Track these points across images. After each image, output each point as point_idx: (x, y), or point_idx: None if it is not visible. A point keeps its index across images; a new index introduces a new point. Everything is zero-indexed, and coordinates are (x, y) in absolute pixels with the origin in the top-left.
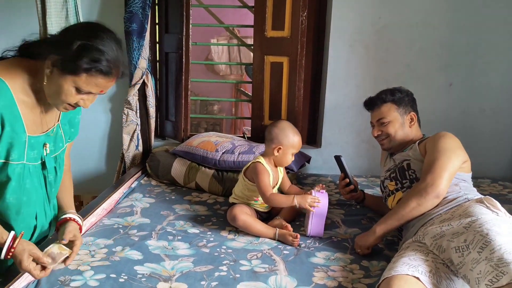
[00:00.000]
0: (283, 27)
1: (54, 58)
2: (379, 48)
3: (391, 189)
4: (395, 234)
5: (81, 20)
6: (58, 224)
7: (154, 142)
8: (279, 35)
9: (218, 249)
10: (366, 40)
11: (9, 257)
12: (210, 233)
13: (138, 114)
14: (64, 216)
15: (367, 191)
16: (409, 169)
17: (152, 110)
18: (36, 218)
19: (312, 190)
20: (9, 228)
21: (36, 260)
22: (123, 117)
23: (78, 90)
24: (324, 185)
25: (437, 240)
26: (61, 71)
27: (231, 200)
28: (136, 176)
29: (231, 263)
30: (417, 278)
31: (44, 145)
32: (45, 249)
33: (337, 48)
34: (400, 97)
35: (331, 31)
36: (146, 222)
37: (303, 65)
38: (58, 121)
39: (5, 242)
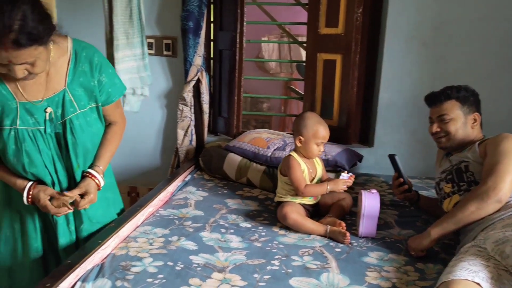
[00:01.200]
0: (337, 24)
1: None
2: (437, 44)
3: (447, 191)
4: (452, 237)
5: (143, 18)
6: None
7: (207, 137)
8: (332, 32)
9: (270, 244)
10: (423, 36)
11: (30, 201)
12: (261, 228)
13: (192, 110)
14: (85, 171)
15: (421, 192)
16: (467, 171)
17: (205, 107)
18: (51, 176)
19: (362, 190)
20: None
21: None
22: (178, 113)
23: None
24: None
25: (500, 246)
26: None
27: (276, 199)
28: (189, 170)
29: (283, 258)
30: (478, 284)
31: (46, 109)
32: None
33: (393, 44)
34: (466, 95)
35: (387, 27)
36: (199, 215)
37: (357, 63)
38: (65, 85)
39: (25, 188)
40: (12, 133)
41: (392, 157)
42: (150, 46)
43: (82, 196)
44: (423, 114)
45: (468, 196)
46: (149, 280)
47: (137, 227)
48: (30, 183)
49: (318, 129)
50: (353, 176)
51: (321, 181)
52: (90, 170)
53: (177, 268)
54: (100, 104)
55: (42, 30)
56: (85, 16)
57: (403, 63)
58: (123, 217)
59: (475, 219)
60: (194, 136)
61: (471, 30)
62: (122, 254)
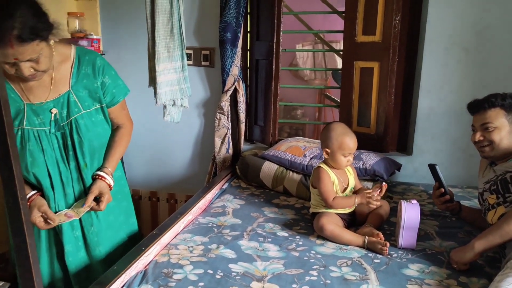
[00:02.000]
0: (375, 32)
1: None
2: (479, 50)
3: (491, 202)
4: (496, 250)
5: (184, 33)
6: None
7: (243, 145)
8: (370, 40)
9: (307, 254)
10: (465, 42)
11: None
12: (298, 237)
13: (229, 118)
14: (94, 174)
15: (463, 202)
16: None
17: (242, 115)
18: (50, 176)
19: (402, 201)
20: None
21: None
22: (216, 121)
23: (5, 62)
24: (380, 186)
25: None
26: None
27: (311, 210)
28: (226, 178)
29: (321, 269)
30: None
31: (51, 110)
32: (65, 210)
33: (433, 51)
34: (511, 103)
35: (426, 34)
36: (237, 223)
37: (394, 70)
38: (69, 87)
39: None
40: (19, 133)
41: (432, 167)
42: (188, 56)
43: (96, 199)
44: (464, 122)
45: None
46: (191, 287)
47: (177, 234)
48: (32, 192)
49: (343, 141)
50: (385, 185)
51: (354, 190)
52: (99, 172)
53: (217, 276)
54: (104, 105)
55: (41, 26)
56: (125, 32)
57: (443, 70)
58: (165, 224)
59: None
60: (231, 145)
61: None
62: (164, 261)
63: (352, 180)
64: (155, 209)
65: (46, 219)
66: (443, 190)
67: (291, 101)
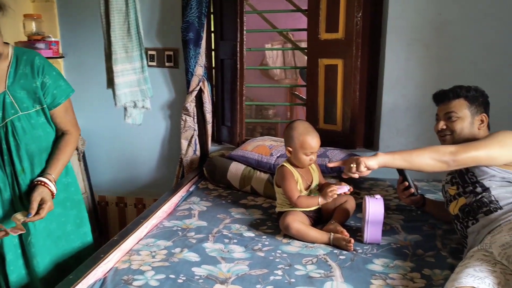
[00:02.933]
0: (337, 29)
1: None
2: (440, 45)
3: (452, 193)
4: (460, 241)
5: (141, 32)
6: (32, 187)
7: (210, 147)
8: (333, 38)
9: (273, 253)
10: (425, 38)
11: None
12: (265, 237)
13: (195, 120)
14: (36, 179)
15: (428, 195)
16: (468, 172)
17: (208, 116)
18: None
19: (366, 196)
20: None
21: None
22: (181, 123)
23: None
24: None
25: (507, 250)
26: None
27: (277, 210)
28: (193, 180)
29: (286, 268)
30: None
31: None
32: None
33: (394, 48)
34: (475, 95)
35: (388, 31)
36: (203, 225)
37: (358, 67)
38: (5, 88)
39: None
40: None
41: None
42: (152, 58)
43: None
44: (427, 116)
45: (431, 146)
46: None
47: (140, 240)
48: None
49: (304, 140)
50: (351, 189)
51: (318, 187)
52: (41, 178)
53: (179, 280)
54: (45, 106)
55: None
56: (85, 33)
57: (405, 66)
58: (126, 230)
59: (422, 169)
60: (198, 146)
61: (472, 29)
62: (124, 267)
63: (316, 177)
64: (122, 215)
65: None
66: (407, 183)
67: (263, 101)
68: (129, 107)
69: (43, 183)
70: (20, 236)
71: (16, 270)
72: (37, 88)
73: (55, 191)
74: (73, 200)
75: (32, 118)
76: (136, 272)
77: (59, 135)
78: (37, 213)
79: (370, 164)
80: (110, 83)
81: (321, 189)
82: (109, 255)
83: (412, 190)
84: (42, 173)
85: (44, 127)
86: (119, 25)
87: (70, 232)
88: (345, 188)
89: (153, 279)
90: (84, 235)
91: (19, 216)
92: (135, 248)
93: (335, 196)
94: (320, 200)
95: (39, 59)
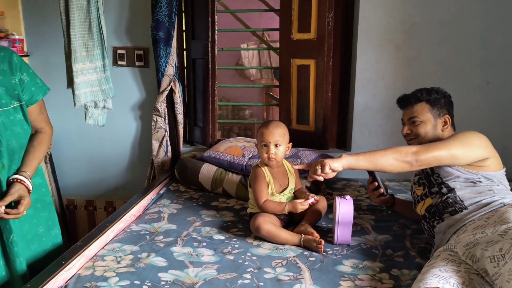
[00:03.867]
0: (309, 30)
1: None
2: (409, 47)
3: (419, 194)
4: (427, 241)
5: (104, 30)
6: (7, 185)
7: (182, 148)
8: (305, 38)
9: (242, 256)
10: (395, 39)
11: None
12: (235, 239)
13: (166, 120)
14: (11, 177)
15: (400, 195)
16: (433, 174)
17: (180, 117)
18: None
19: (336, 197)
20: None
21: None
22: (152, 124)
23: None
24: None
25: (470, 249)
26: None
27: (249, 210)
28: (164, 182)
29: (255, 271)
30: None
31: None
32: None
33: (366, 48)
34: (436, 98)
35: (359, 31)
36: (172, 228)
37: (330, 67)
38: None
39: None
40: None
41: None
42: (121, 57)
43: (13, 204)
44: (398, 116)
45: (394, 147)
46: None
47: (106, 244)
48: None
49: (260, 131)
50: (317, 199)
51: (294, 192)
52: (16, 176)
53: (144, 287)
54: (23, 103)
55: None
56: (51, 31)
57: (376, 66)
58: (91, 234)
59: (386, 169)
60: (169, 147)
61: (441, 31)
62: (87, 274)
63: (293, 180)
64: (92, 218)
65: None
66: (376, 184)
67: (240, 102)
68: (90, 107)
69: (19, 181)
70: (0, 234)
71: None
72: (16, 85)
73: (31, 188)
74: (44, 202)
75: (11, 115)
76: (99, 278)
77: (33, 133)
78: (15, 208)
79: (334, 166)
80: (70, 82)
81: (296, 194)
82: (71, 261)
83: (382, 190)
84: (17, 171)
85: (21, 124)
86: (79, 22)
87: (42, 235)
88: (310, 200)
89: (117, 285)
90: (55, 237)
91: None
92: (99, 253)
93: (304, 209)
94: (287, 208)
95: (16, 57)
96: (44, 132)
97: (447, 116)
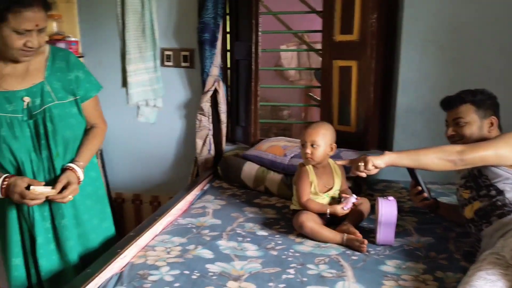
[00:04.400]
0: (352, 31)
1: None
2: (455, 48)
3: (466, 197)
4: (473, 244)
5: (156, 33)
6: (61, 172)
7: (225, 146)
8: (348, 39)
9: (285, 252)
10: (440, 40)
11: (3, 189)
12: (278, 236)
13: (210, 119)
14: (65, 165)
15: (442, 198)
16: (481, 176)
17: (223, 116)
18: (21, 164)
19: (379, 198)
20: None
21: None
22: (197, 122)
23: (18, 32)
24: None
25: None
26: None
27: (292, 207)
28: (208, 179)
29: (298, 267)
30: None
31: (23, 98)
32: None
33: (409, 49)
34: (482, 99)
35: (403, 32)
36: (217, 223)
37: (373, 69)
38: (43, 78)
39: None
40: None
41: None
42: (168, 58)
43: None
44: (442, 119)
45: (439, 146)
46: None
47: (156, 236)
48: (6, 174)
49: (303, 131)
50: (358, 202)
51: (339, 193)
52: (70, 164)
53: (193, 276)
54: (78, 97)
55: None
56: (104, 33)
57: (420, 67)
58: (142, 226)
59: (429, 167)
60: (212, 146)
61: (487, 32)
62: (140, 263)
63: (338, 181)
64: (138, 212)
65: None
66: (419, 188)
67: (278, 102)
68: (141, 106)
69: (70, 168)
70: (52, 219)
71: (46, 254)
72: (72, 81)
73: (81, 177)
74: (98, 195)
75: (66, 108)
76: (151, 267)
77: (88, 128)
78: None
79: (377, 162)
80: (125, 82)
81: (341, 195)
82: (125, 250)
83: (425, 194)
84: (71, 160)
85: (76, 117)
86: (134, 25)
87: (96, 226)
88: (352, 200)
89: (168, 274)
90: (106, 229)
91: (38, 189)
92: (150, 244)
93: (344, 213)
94: (329, 211)
95: (73, 56)
96: (98, 127)
97: (494, 117)
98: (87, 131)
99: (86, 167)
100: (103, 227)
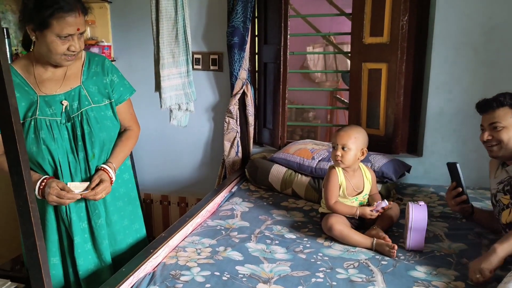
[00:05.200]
0: (382, 33)
1: (29, 26)
2: (489, 50)
3: (505, 203)
4: None
5: (189, 38)
6: (95, 172)
7: (252, 149)
8: (377, 41)
9: (314, 256)
10: (474, 42)
11: (41, 190)
12: (306, 239)
13: (238, 122)
14: (99, 166)
15: (475, 204)
16: None
17: (251, 119)
18: (59, 165)
19: (409, 203)
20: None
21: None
22: (225, 125)
23: (61, 38)
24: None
25: None
26: (39, 31)
27: (321, 210)
28: (235, 181)
29: (327, 271)
30: None
31: (62, 102)
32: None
33: (441, 51)
34: None
35: (435, 34)
36: (245, 225)
37: (403, 71)
38: (80, 83)
39: (37, 181)
40: (32, 122)
41: (453, 165)
42: (197, 61)
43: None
44: (474, 122)
45: None
46: None
47: (186, 237)
48: (45, 176)
49: (334, 133)
50: (388, 207)
51: (369, 197)
52: (102, 165)
53: (224, 278)
54: (113, 100)
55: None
56: (135, 38)
57: (452, 70)
58: (173, 227)
59: None
60: (240, 148)
61: None
62: (172, 263)
63: (368, 185)
64: (166, 212)
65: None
66: (460, 189)
67: (303, 104)
68: (174, 110)
69: (102, 169)
70: (88, 219)
71: (83, 254)
72: (107, 85)
73: (113, 178)
74: (130, 196)
75: (101, 110)
76: (183, 267)
77: (122, 131)
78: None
79: (494, 265)
80: (158, 86)
81: (370, 199)
82: (157, 250)
83: (465, 197)
84: (105, 162)
85: (111, 120)
86: (167, 31)
87: (126, 227)
88: (383, 204)
89: (199, 275)
90: (136, 230)
91: (73, 184)
92: (181, 245)
93: (374, 217)
94: (358, 213)
95: (108, 61)
96: (132, 130)
97: None
98: (121, 133)
99: (119, 169)
100: (133, 228)
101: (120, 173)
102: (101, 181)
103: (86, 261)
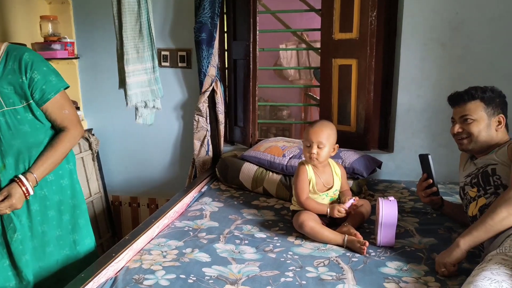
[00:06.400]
0: (352, 29)
1: None
2: (457, 45)
3: (472, 195)
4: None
5: (153, 33)
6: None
7: (223, 147)
8: (347, 37)
9: (284, 255)
10: (442, 37)
11: None
12: (276, 238)
13: (208, 120)
14: (15, 176)
15: (444, 198)
16: (494, 175)
17: (221, 116)
18: None
19: (379, 198)
20: None
21: None
22: (194, 123)
23: None
24: (357, 198)
25: None
26: None
27: (292, 207)
28: (206, 180)
29: (297, 269)
30: None
31: None
32: None
33: (410, 47)
34: (491, 96)
35: (403, 30)
36: (214, 226)
37: (373, 67)
38: None
39: None
40: None
41: (425, 157)
42: (165, 58)
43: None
44: (444, 117)
45: (497, 202)
46: None
47: (152, 239)
48: None
49: (307, 130)
50: (356, 203)
51: (339, 193)
52: (20, 176)
53: (189, 281)
54: (31, 101)
55: None
56: (100, 34)
57: (421, 65)
58: (138, 229)
59: (507, 226)
60: (210, 147)
61: (490, 29)
62: (135, 267)
63: (338, 182)
64: (135, 215)
65: None
66: (431, 181)
67: (277, 102)
68: (140, 107)
69: (16, 180)
70: (3, 234)
71: (0, 271)
72: (24, 84)
73: (31, 192)
74: (67, 204)
75: (18, 114)
76: (147, 271)
77: (56, 133)
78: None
79: (458, 258)
80: (122, 83)
81: (340, 195)
82: (120, 254)
83: (436, 188)
84: (26, 170)
85: (32, 123)
86: (131, 25)
87: (59, 238)
88: (350, 202)
89: (163, 278)
90: (74, 242)
91: None
92: (146, 247)
93: (342, 215)
94: (328, 211)
95: (28, 55)
96: (66, 131)
97: (502, 115)
98: (53, 136)
99: (56, 175)
100: (70, 239)
101: (57, 178)
102: (9, 195)
103: (4, 279)
